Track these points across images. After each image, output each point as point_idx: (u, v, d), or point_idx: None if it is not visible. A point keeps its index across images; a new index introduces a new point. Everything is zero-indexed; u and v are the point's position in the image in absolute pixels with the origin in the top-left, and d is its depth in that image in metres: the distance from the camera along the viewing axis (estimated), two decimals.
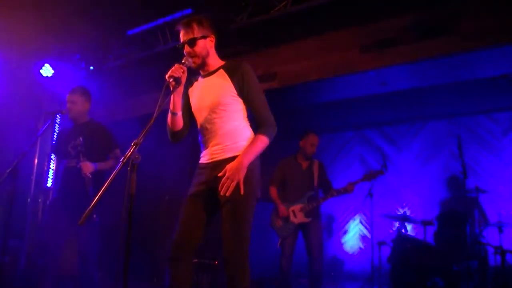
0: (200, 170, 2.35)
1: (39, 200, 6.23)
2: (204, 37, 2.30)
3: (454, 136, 5.23)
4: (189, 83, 2.46)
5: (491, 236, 4.60)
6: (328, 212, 6.42)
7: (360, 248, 6.24)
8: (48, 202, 6.11)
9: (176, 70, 2.15)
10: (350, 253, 6.30)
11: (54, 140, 5.92)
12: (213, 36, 2.35)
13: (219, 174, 2.19)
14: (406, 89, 5.08)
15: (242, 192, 2.15)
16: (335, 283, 5.71)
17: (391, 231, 5.45)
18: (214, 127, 2.29)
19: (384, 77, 4.72)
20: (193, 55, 2.29)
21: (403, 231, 4.64)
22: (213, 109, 2.28)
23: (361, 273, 5.75)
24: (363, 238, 6.25)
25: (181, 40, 2.30)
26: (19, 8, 4.46)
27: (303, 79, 4.95)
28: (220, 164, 2.22)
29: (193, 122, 2.47)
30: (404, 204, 5.97)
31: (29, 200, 6.16)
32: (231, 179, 2.14)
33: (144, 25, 5.26)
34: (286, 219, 4.15)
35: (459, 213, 4.54)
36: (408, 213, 4.86)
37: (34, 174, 6.24)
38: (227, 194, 2.13)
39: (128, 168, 1.85)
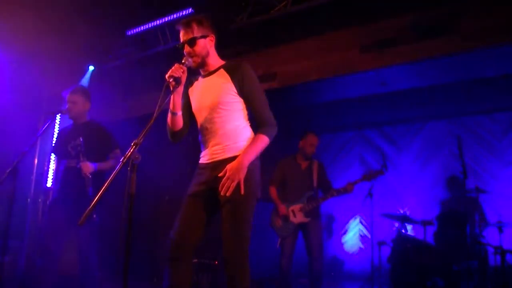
0: (200, 170, 2.35)
1: (39, 200, 6.23)
2: (204, 36, 2.30)
3: (454, 136, 5.24)
4: (190, 83, 2.46)
5: (491, 236, 4.60)
6: (328, 212, 6.42)
7: (360, 248, 6.24)
8: (48, 202, 6.11)
9: (176, 70, 2.15)
10: (350, 253, 6.30)
11: (54, 140, 5.92)
12: (213, 36, 2.36)
13: (220, 174, 2.19)
14: (406, 89, 5.07)
15: (242, 192, 2.15)
16: (335, 283, 5.72)
17: (391, 231, 5.45)
18: (214, 126, 2.29)
19: (384, 77, 4.72)
20: (193, 55, 2.29)
21: (403, 231, 4.64)
22: (213, 109, 2.28)
23: (361, 273, 5.75)
24: (363, 238, 6.25)
25: (181, 40, 2.30)
26: (19, 8, 4.46)
27: (303, 79, 4.95)
28: (220, 164, 2.22)
29: (193, 122, 2.46)
30: (404, 204, 5.97)
31: (29, 200, 6.16)
32: (231, 179, 2.13)
33: (144, 25, 5.26)
34: (286, 219, 4.15)
35: (459, 213, 4.54)
36: (408, 213, 4.86)
37: (34, 174, 6.24)
38: (227, 194, 2.13)
39: (128, 168, 1.85)
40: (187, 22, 2.30)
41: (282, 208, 4.17)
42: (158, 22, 5.16)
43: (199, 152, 2.42)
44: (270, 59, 5.18)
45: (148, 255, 5.70)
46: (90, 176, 3.38)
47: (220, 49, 2.42)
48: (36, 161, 6.27)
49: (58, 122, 6.20)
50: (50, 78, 6.01)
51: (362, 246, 6.25)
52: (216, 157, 2.27)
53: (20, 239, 5.91)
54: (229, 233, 2.16)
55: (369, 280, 4.76)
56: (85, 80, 6.04)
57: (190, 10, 4.77)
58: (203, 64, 2.35)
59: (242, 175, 2.15)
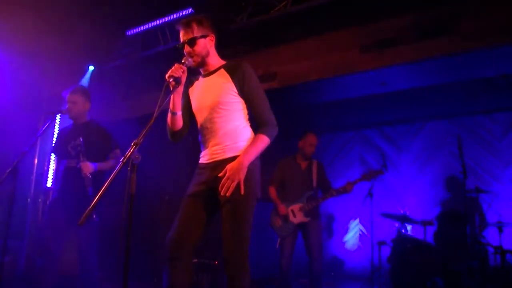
0: (200, 170, 2.35)
1: (39, 200, 6.23)
2: (204, 36, 2.30)
3: (454, 136, 5.23)
4: (190, 82, 2.46)
5: (491, 236, 4.60)
6: (328, 212, 6.42)
7: (360, 248, 6.23)
8: (48, 202, 6.12)
9: (176, 70, 2.15)
10: (350, 253, 6.30)
11: (54, 140, 5.92)
12: (213, 35, 2.35)
13: (220, 174, 2.18)
14: (406, 89, 5.07)
15: (242, 192, 2.15)
16: (335, 283, 5.72)
17: (391, 231, 5.45)
18: (214, 126, 2.29)
19: (384, 77, 4.72)
20: (193, 55, 2.29)
21: (403, 231, 4.64)
22: (213, 109, 2.27)
23: (361, 273, 5.75)
24: (363, 238, 6.25)
25: (181, 40, 2.30)
26: (19, 8, 4.46)
27: (303, 79, 4.95)
28: (220, 164, 2.22)
29: (193, 122, 2.46)
30: (404, 204, 5.97)
31: (29, 200, 6.17)
32: (231, 179, 2.13)
33: (144, 25, 5.26)
34: (286, 219, 4.15)
35: (459, 213, 4.55)
36: (408, 213, 4.86)
37: (34, 174, 6.24)
38: (227, 194, 2.13)
39: (128, 168, 1.85)
40: (187, 22, 2.30)
41: (282, 208, 4.17)
42: (158, 22, 5.16)
43: (199, 152, 2.41)
44: (270, 59, 5.18)
45: (148, 255, 5.69)
46: (90, 176, 3.38)
47: (220, 49, 2.42)
48: (36, 161, 6.28)
49: (58, 122, 6.21)
50: (50, 78, 6.02)
51: (362, 246, 6.25)
52: (216, 157, 2.27)
53: (20, 239, 5.91)
54: (229, 233, 2.16)
55: (369, 280, 4.76)
56: (85, 80, 6.04)
57: (190, 10, 4.78)
58: (203, 63, 2.35)
59: (242, 175, 2.15)
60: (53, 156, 6.13)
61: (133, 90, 6.34)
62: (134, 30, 5.37)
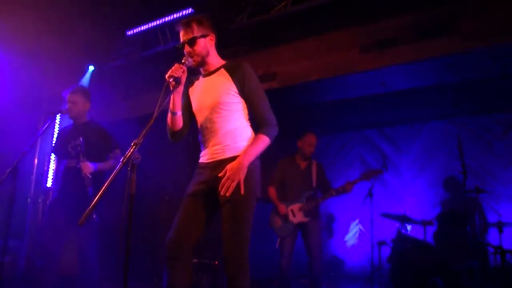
0: (200, 170, 2.35)
1: (39, 200, 6.24)
2: (204, 36, 2.30)
3: (454, 136, 5.23)
4: (190, 82, 2.46)
5: (491, 236, 4.60)
6: (328, 212, 6.42)
7: (360, 248, 6.23)
8: (48, 202, 6.12)
9: (176, 70, 2.15)
10: (350, 253, 6.30)
11: (54, 140, 5.92)
12: (213, 35, 2.35)
13: (220, 174, 2.18)
14: (406, 89, 5.07)
15: (242, 192, 2.14)
16: (335, 283, 5.71)
17: (391, 231, 5.45)
18: (214, 126, 2.29)
19: (384, 77, 4.72)
20: (193, 55, 2.29)
21: (403, 231, 4.64)
22: (213, 108, 2.27)
23: (361, 273, 5.75)
24: (363, 238, 6.25)
25: (181, 40, 2.30)
26: (19, 8, 4.46)
27: (303, 79, 4.95)
28: (220, 164, 2.22)
29: (193, 122, 2.46)
30: (404, 204, 5.97)
31: (29, 200, 6.17)
32: (232, 179, 2.13)
33: (144, 25, 5.26)
34: (285, 219, 4.15)
35: (459, 213, 4.54)
36: (408, 213, 4.85)
37: (34, 174, 6.25)
38: (227, 194, 2.13)
39: (128, 168, 1.85)
40: (187, 22, 2.30)
41: (282, 207, 4.17)
42: (158, 22, 5.16)
43: (199, 152, 2.41)
44: (270, 59, 5.18)
45: (148, 255, 5.69)
46: (90, 176, 3.38)
47: (220, 49, 2.42)
48: (36, 161, 6.28)
49: (58, 122, 6.21)
50: (50, 78, 6.02)
51: (362, 246, 6.24)
52: (216, 157, 2.27)
53: (20, 239, 5.91)
54: (229, 233, 2.16)
55: (369, 280, 4.75)
56: (85, 80, 6.04)
57: (190, 10, 4.78)
58: (203, 63, 2.35)
59: (242, 175, 2.15)
60: (53, 156, 6.13)
61: (133, 90, 6.34)
62: (134, 30, 5.38)
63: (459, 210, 4.61)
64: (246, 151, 2.21)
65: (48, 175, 6.29)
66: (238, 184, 2.14)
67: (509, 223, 4.44)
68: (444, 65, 4.43)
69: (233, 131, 2.27)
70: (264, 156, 2.34)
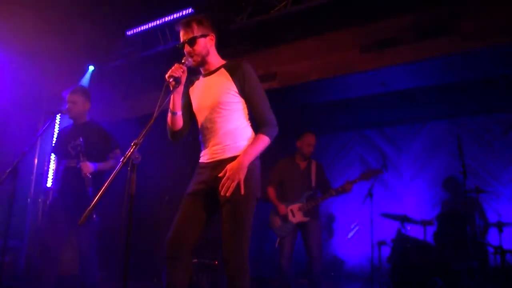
0: (200, 170, 2.35)
1: (39, 200, 6.24)
2: (204, 35, 2.30)
3: (454, 136, 5.23)
4: (190, 82, 2.45)
5: (491, 236, 4.60)
6: (328, 212, 6.42)
7: (360, 248, 6.23)
8: (48, 202, 6.12)
9: (176, 70, 2.15)
10: (350, 253, 6.30)
11: (54, 140, 5.92)
12: (213, 35, 2.35)
13: (220, 174, 2.18)
14: (406, 89, 5.08)
15: (242, 192, 2.14)
16: (335, 283, 5.71)
17: (391, 231, 5.45)
18: (214, 126, 2.29)
19: (384, 77, 4.72)
20: (193, 54, 2.28)
21: (403, 231, 4.64)
22: (214, 108, 2.27)
23: (361, 273, 5.75)
24: (363, 238, 6.25)
25: (181, 40, 2.30)
26: (19, 8, 4.47)
27: (303, 79, 4.95)
28: (220, 164, 2.22)
29: (193, 122, 2.46)
30: (404, 204, 5.97)
31: (29, 200, 6.17)
32: (232, 179, 2.13)
33: (144, 25, 5.27)
34: (285, 219, 4.15)
35: (459, 213, 4.55)
36: (408, 213, 4.85)
37: (34, 174, 6.25)
38: (227, 194, 2.13)
39: (128, 168, 1.85)
40: (187, 22, 2.30)
41: (281, 207, 4.16)
42: (158, 22, 5.17)
43: (199, 152, 2.41)
44: (270, 59, 5.18)
45: (148, 255, 5.70)
46: (90, 176, 3.38)
47: (220, 49, 2.41)
48: (36, 161, 6.28)
49: (58, 122, 6.21)
50: (50, 78, 6.02)
51: (362, 246, 6.24)
52: (216, 157, 2.27)
53: (20, 239, 5.92)
54: (229, 233, 2.16)
55: (369, 280, 4.75)
56: (85, 80, 6.05)
57: (190, 10, 4.78)
58: (203, 63, 2.35)
59: (242, 175, 2.15)
60: (53, 156, 6.13)
61: (133, 90, 6.35)
62: (134, 30, 5.38)
63: (459, 210, 4.61)
64: (246, 151, 2.21)
65: (48, 175, 6.29)
66: (238, 184, 2.14)
67: (509, 223, 4.44)
68: (444, 65, 4.43)
69: (233, 131, 2.27)
70: (264, 156, 2.33)
